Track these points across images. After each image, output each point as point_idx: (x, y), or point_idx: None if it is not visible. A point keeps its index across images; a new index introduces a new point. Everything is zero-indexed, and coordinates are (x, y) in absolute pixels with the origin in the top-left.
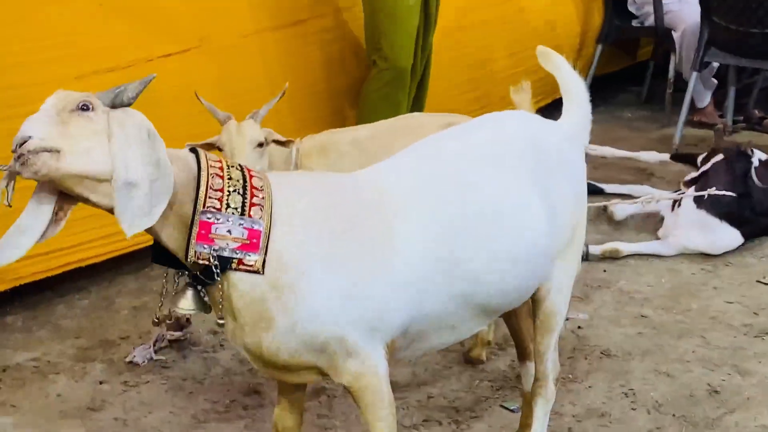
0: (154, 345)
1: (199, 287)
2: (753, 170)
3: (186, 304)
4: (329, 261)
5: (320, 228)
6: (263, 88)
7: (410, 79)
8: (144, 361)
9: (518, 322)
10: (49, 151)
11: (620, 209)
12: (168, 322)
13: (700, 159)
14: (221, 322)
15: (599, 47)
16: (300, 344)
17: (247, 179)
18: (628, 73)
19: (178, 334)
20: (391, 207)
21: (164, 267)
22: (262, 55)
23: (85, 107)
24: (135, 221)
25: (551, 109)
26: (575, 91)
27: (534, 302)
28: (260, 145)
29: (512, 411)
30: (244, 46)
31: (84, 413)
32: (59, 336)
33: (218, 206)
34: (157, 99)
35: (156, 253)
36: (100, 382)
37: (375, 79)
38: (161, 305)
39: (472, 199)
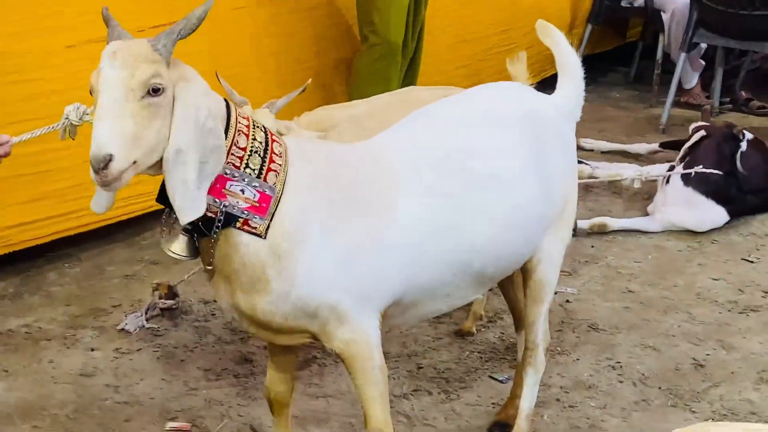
0: (146, 313)
1: (195, 236)
2: (739, 154)
3: (178, 248)
4: (327, 229)
5: (320, 196)
6: (253, 61)
7: (402, 55)
8: (136, 329)
9: (516, 292)
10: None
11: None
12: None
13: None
14: (209, 268)
15: (589, 27)
16: (293, 308)
17: (269, 143)
18: (617, 53)
19: (170, 302)
20: (389, 176)
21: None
22: (254, 28)
23: (155, 90)
24: (186, 203)
25: (540, 88)
26: (571, 67)
27: (525, 272)
28: None
29: (501, 382)
30: (235, 20)
31: (76, 379)
32: (51, 303)
33: (237, 164)
34: None
35: (161, 193)
36: (92, 349)
37: (366, 54)
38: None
39: (469, 166)
